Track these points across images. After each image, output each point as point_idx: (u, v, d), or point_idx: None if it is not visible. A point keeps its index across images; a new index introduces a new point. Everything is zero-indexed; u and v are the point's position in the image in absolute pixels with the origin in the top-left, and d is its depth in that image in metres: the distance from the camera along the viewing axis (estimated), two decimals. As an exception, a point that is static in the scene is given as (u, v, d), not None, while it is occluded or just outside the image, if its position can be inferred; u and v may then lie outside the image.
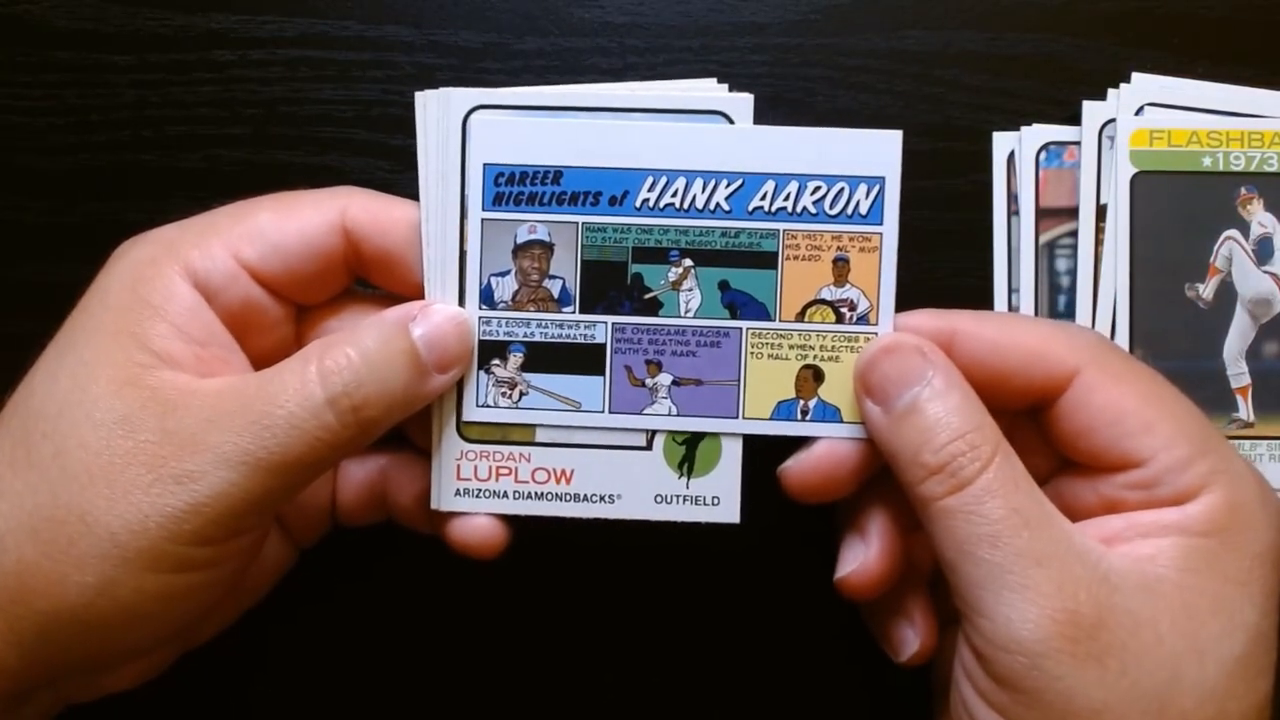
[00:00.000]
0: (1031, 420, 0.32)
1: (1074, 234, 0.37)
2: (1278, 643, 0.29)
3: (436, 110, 0.32)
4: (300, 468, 0.29)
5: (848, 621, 0.37)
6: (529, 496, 0.33)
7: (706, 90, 0.32)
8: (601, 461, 0.32)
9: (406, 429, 0.33)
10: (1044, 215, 0.37)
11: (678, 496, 0.32)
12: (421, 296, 0.32)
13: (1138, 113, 0.37)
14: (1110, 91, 0.37)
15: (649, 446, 0.32)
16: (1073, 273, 0.37)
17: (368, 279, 0.33)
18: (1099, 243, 0.37)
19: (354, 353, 0.29)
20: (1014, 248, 0.38)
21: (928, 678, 0.36)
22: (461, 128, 0.32)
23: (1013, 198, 0.38)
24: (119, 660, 0.30)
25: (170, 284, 0.30)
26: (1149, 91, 0.37)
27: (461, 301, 0.32)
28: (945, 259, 0.38)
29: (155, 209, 0.37)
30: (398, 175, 0.37)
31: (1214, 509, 0.29)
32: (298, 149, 0.38)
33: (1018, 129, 0.37)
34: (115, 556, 0.27)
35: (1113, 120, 0.37)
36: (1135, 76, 0.37)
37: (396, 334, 0.30)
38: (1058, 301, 0.37)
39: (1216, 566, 0.28)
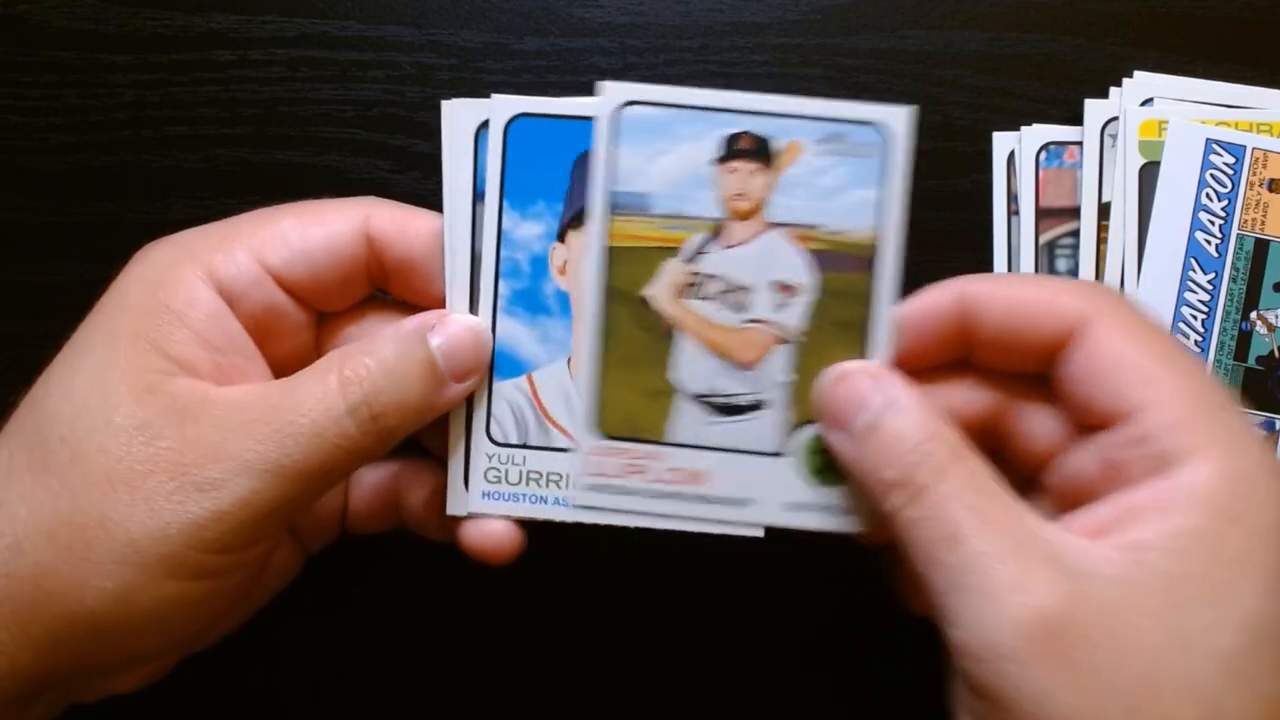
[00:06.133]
0: (1044, 386, 0.31)
1: (1074, 234, 0.37)
2: None
3: (462, 120, 0.31)
4: (321, 475, 0.29)
5: (859, 627, 0.37)
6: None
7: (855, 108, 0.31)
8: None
9: (420, 436, 0.33)
10: (1044, 215, 0.37)
11: (810, 505, 0.32)
12: (442, 307, 0.32)
13: (1146, 103, 0.37)
14: (1112, 90, 0.37)
15: (779, 454, 0.32)
16: (1073, 273, 0.37)
17: (388, 289, 0.33)
18: (1101, 240, 0.37)
19: (372, 362, 0.29)
20: (1014, 248, 0.38)
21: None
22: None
23: (1013, 198, 0.38)
24: (131, 665, 0.30)
25: (192, 289, 0.29)
26: (1150, 89, 0.37)
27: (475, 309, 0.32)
28: (945, 259, 0.38)
29: (155, 209, 0.37)
30: (398, 175, 0.37)
31: (1208, 477, 0.26)
32: (298, 149, 0.38)
33: (1018, 129, 0.37)
34: (135, 562, 0.27)
35: (1115, 119, 0.37)
36: (1137, 74, 0.37)
37: (414, 344, 0.30)
38: (1058, 301, 0.37)
39: (1210, 545, 0.25)
